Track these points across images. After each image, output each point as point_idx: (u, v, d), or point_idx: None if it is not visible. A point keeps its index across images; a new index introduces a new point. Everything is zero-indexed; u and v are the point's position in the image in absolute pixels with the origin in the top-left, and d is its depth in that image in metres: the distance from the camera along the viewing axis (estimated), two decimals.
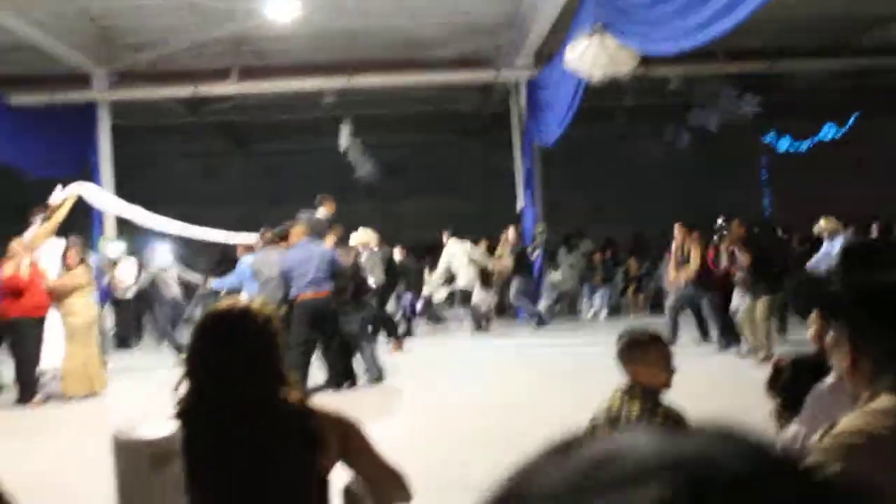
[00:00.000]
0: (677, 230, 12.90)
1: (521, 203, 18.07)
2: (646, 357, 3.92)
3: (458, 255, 15.92)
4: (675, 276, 12.86)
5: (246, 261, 11.77)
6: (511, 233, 17.02)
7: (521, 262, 16.57)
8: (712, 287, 12.27)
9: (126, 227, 14.97)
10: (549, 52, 16.22)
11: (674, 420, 3.81)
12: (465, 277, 16.02)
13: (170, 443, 1.81)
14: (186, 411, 2.62)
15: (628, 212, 22.59)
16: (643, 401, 3.82)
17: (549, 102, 16.04)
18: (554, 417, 8.00)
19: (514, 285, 16.44)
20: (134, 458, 1.76)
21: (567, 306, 18.87)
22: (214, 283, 13.36)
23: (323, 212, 11.63)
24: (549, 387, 10.13)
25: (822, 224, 12.31)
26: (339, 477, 2.72)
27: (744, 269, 11.23)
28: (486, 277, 16.12)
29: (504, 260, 16.70)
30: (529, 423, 7.52)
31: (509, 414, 8.58)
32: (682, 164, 23.58)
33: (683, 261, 12.64)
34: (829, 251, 11.60)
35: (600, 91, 13.32)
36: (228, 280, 12.42)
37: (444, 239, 16.12)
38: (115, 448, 1.76)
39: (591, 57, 11.17)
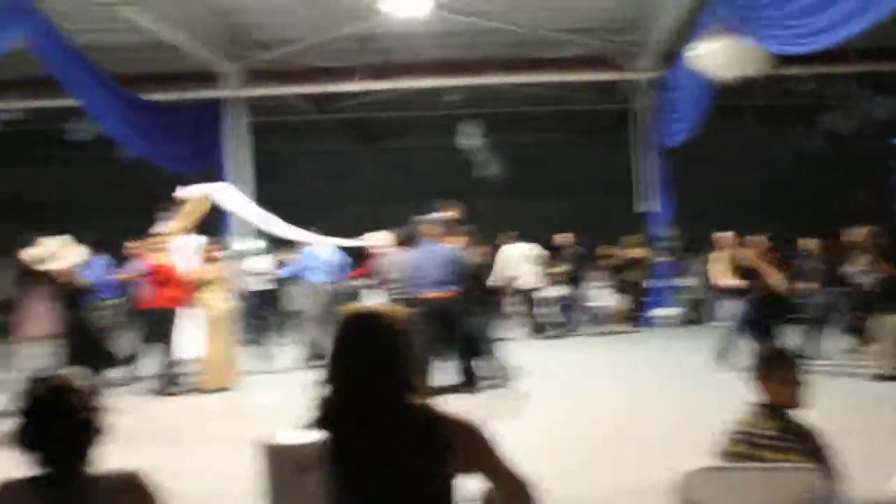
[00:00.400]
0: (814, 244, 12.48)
1: (643, 206, 17.81)
2: (780, 374, 3.83)
3: (513, 257, 15.73)
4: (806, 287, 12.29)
5: (308, 251, 12.92)
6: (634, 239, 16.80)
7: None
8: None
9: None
10: (675, 51, 15.98)
11: (807, 438, 3.71)
12: (529, 278, 15.84)
13: (314, 449, 1.83)
14: (326, 415, 2.65)
15: (757, 216, 22.01)
16: (777, 419, 3.73)
17: (675, 103, 15.79)
18: (674, 426, 7.97)
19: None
20: (280, 464, 1.79)
21: (698, 313, 18.36)
22: (281, 271, 14.55)
23: (446, 215, 11.60)
24: (669, 396, 9.98)
25: None
26: (472, 483, 2.73)
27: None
28: (623, 283, 15.99)
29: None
30: (650, 431, 7.44)
31: (631, 421, 8.51)
32: (811, 168, 22.89)
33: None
34: None
35: (728, 91, 13.04)
36: (290, 269, 13.69)
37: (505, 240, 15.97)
38: (263, 454, 1.80)
39: (719, 56, 10.96)
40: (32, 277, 10.05)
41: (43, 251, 10.18)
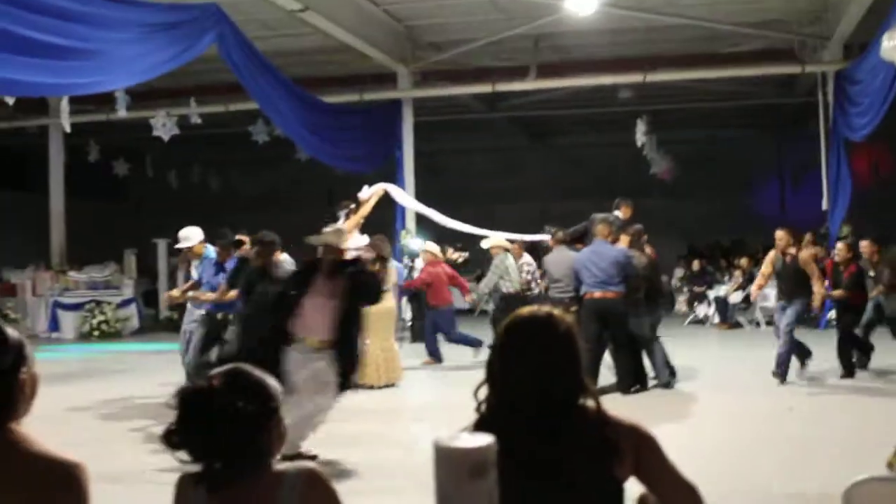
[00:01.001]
0: None
1: (825, 203, 17.12)
2: None
3: None
4: None
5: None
6: (809, 236, 16.08)
7: None
8: None
9: (426, 223, 15.49)
10: (859, 42, 15.35)
11: None
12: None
13: (488, 453, 1.86)
14: (491, 418, 2.68)
15: None
16: None
17: (861, 95, 15.12)
18: (843, 430, 7.68)
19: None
20: (454, 468, 1.82)
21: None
22: None
23: (620, 214, 11.47)
24: (853, 399, 9.63)
25: None
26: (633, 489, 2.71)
27: None
28: None
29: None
30: (823, 433, 7.20)
31: (796, 422, 8.27)
32: None
33: None
34: None
35: None
36: None
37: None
38: (436, 457, 1.83)
39: None
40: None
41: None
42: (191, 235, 10.65)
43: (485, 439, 1.80)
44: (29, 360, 2.41)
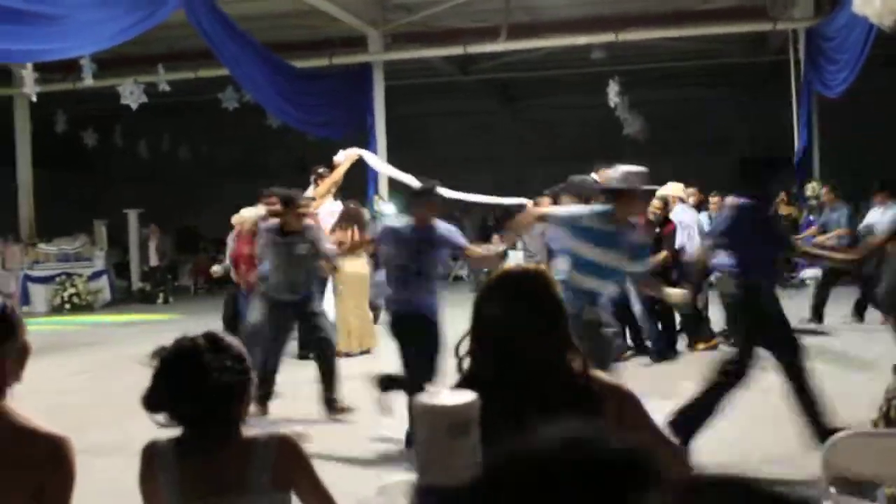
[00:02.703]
0: None
1: (795, 159, 17.14)
2: None
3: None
4: None
5: None
6: (783, 196, 16.07)
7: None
8: None
9: (399, 188, 15.39)
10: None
11: None
12: None
13: (469, 410, 1.79)
14: (476, 374, 2.62)
15: None
16: None
17: (833, 52, 15.11)
18: (838, 384, 7.67)
19: None
20: (433, 425, 1.75)
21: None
22: None
23: (598, 179, 11.28)
24: (830, 355, 9.64)
25: None
26: None
27: None
28: None
29: None
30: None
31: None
32: None
33: None
34: None
35: (889, 38, 12.40)
36: None
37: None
38: (416, 415, 1.77)
39: (882, 1, 10.43)
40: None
41: None
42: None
43: (466, 396, 1.74)
44: (19, 330, 2.36)
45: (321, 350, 8.16)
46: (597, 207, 6.08)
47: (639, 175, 5.96)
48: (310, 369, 8.34)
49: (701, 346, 10.43)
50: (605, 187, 6.23)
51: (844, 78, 14.49)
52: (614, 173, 6.08)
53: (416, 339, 6.38)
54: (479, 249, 7.81)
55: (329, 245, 8.76)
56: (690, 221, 11.03)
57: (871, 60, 13.68)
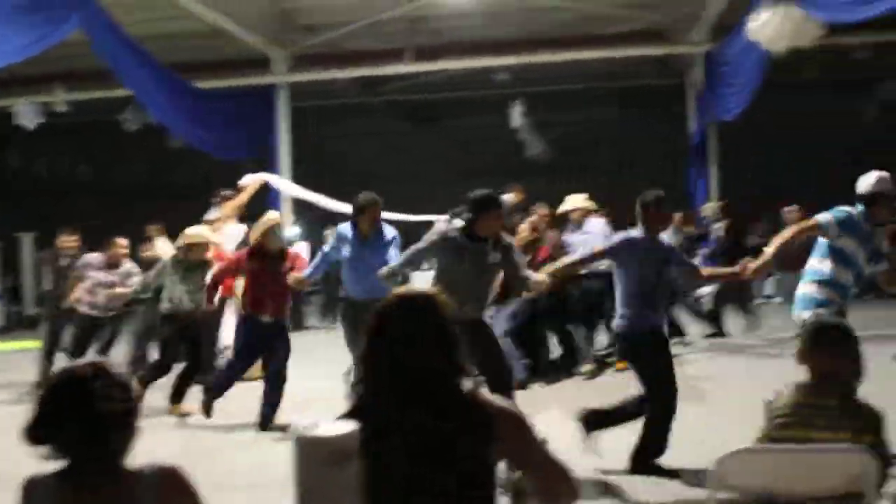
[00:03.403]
0: None
1: (694, 183, 17.56)
2: (835, 348, 3.72)
3: None
4: None
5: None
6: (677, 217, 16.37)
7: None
8: None
9: (302, 213, 15.34)
10: (728, 24, 15.72)
11: (859, 415, 3.59)
12: None
13: (350, 440, 1.78)
14: (362, 406, 2.61)
15: (813, 192, 21.57)
16: (826, 395, 3.62)
17: (729, 76, 15.54)
18: (717, 405, 7.81)
19: None
20: (314, 456, 1.74)
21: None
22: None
23: (510, 198, 11.35)
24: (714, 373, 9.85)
25: None
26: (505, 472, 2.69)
27: None
28: None
29: None
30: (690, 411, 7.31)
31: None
32: (870, 140, 22.39)
33: None
34: None
35: (783, 63, 12.80)
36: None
37: None
38: (296, 445, 1.75)
39: (774, 28, 10.77)
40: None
41: None
42: None
43: (346, 426, 1.72)
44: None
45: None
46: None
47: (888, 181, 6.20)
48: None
49: None
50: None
51: (739, 102, 14.90)
52: (869, 179, 6.19)
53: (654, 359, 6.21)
54: None
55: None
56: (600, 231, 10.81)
57: (769, 84, 14.12)
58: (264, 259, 8.25)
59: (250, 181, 11.27)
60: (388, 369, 2.61)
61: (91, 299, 10.11)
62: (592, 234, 10.40)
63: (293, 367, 8.35)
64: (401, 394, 2.57)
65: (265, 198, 14.61)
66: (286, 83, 18.36)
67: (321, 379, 9.54)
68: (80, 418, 2.29)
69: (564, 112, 23.46)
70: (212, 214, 11.39)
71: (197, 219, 11.39)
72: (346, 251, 7.84)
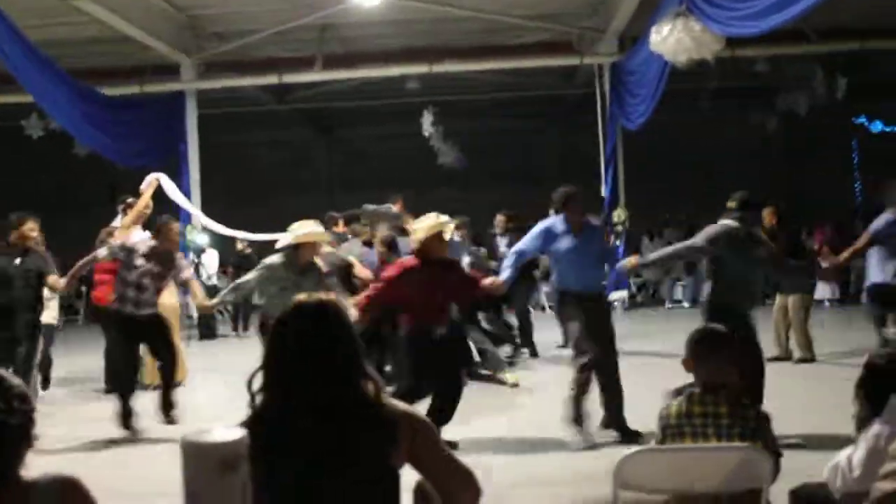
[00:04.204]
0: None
1: (603, 190, 17.87)
2: (720, 355, 3.83)
3: None
4: None
5: None
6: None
7: None
8: None
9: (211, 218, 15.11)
10: (633, 35, 16.04)
11: (748, 417, 3.73)
12: None
13: (239, 446, 1.81)
14: (263, 412, 2.64)
15: (714, 198, 22.04)
16: (716, 400, 3.74)
17: (633, 86, 15.87)
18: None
19: None
20: (202, 463, 1.76)
21: (650, 296, 18.74)
22: None
23: (394, 207, 11.28)
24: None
25: None
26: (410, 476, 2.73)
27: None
28: None
29: None
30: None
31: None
32: (769, 149, 23.07)
33: None
34: None
35: (684, 74, 13.09)
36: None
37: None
38: (183, 452, 1.77)
39: (675, 40, 10.99)
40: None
41: None
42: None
43: (235, 433, 1.76)
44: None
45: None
46: None
47: None
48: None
49: None
50: None
51: (643, 111, 15.22)
52: None
53: None
54: None
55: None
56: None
57: (673, 94, 14.44)
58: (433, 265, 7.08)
59: (146, 184, 11.07)
60: (287, 375, 2.64)
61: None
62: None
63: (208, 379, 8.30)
64: (299, 399, 2.60)
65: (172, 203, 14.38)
66: (194, 90, 18.17)
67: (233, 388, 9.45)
68: None
69: (474, 121, 23.64)
70: (117, 222, 11.22)
71: (100, 227, 11.24)
72: (560, 245, 7.51)
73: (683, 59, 11.21)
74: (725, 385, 3.76)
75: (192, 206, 13.26)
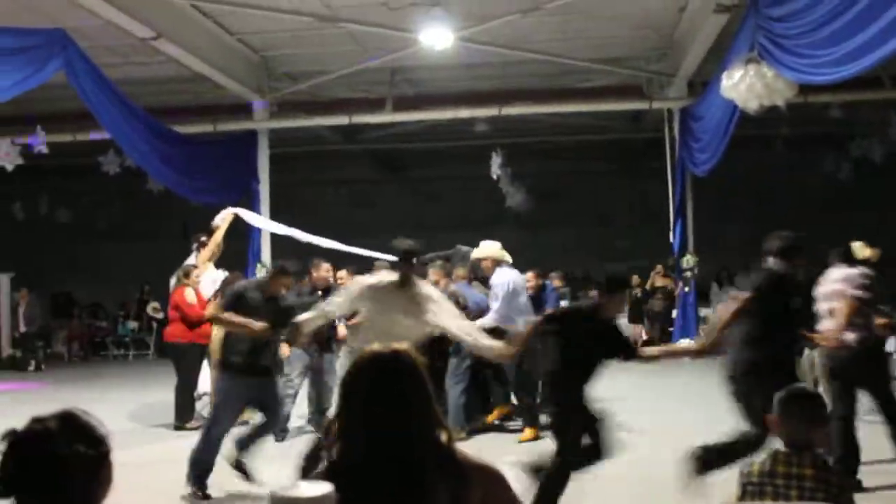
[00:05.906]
0: None
1: (672, 236, 17.69)
2: (801, 414, 3.75)
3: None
4: None
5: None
6: (660, 268, 16.61)
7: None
8: None
9: (281, 254, 15.25)
10: (703, 80, 15.96)
11: (830, 480, 3.64)
12: None
13: (325, 501, 1.81)
14: (345, 458, 2.63)
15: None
16: (798, 461, 3.66)
17: (702, 131, 15.72)
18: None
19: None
20: None
21: None
22: None
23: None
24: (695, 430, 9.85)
25: None
26: None
27: None
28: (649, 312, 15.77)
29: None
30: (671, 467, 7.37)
31: (654, 456, 8.40)
32: (843, 197, 22.66)
33: None
34: None
35: (757, 119, 12.96)
36: None
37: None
38: None
39: (746, 86, 10.89)
40: None
41: None
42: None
43: (323, 487, 1.76)
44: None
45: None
46: None
47: None
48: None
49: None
50: None
51: (708, 157, 15.05)
52: None
53: None
54: None
55: None
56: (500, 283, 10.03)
57: (742, 141, 14.27)
58: None
59: (220, 219, 11.22)
60: (362, 427, 2.63)
61: None
62: (496, 286, 9.81)
63: None
64: (377, 450, 2.59)
65: (242, 243, 14.58)
66: (266, 129, 18.45)
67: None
68: (41, 479, 2.22)
69: (541, 163, 23.64)
70: (191, 259, 11.40)
71: (177, 262, 11.43)
72: None
73: (755, 106, 11.11)
74: (811, 446, 3.67)
75: (283, 227, 13.29)
